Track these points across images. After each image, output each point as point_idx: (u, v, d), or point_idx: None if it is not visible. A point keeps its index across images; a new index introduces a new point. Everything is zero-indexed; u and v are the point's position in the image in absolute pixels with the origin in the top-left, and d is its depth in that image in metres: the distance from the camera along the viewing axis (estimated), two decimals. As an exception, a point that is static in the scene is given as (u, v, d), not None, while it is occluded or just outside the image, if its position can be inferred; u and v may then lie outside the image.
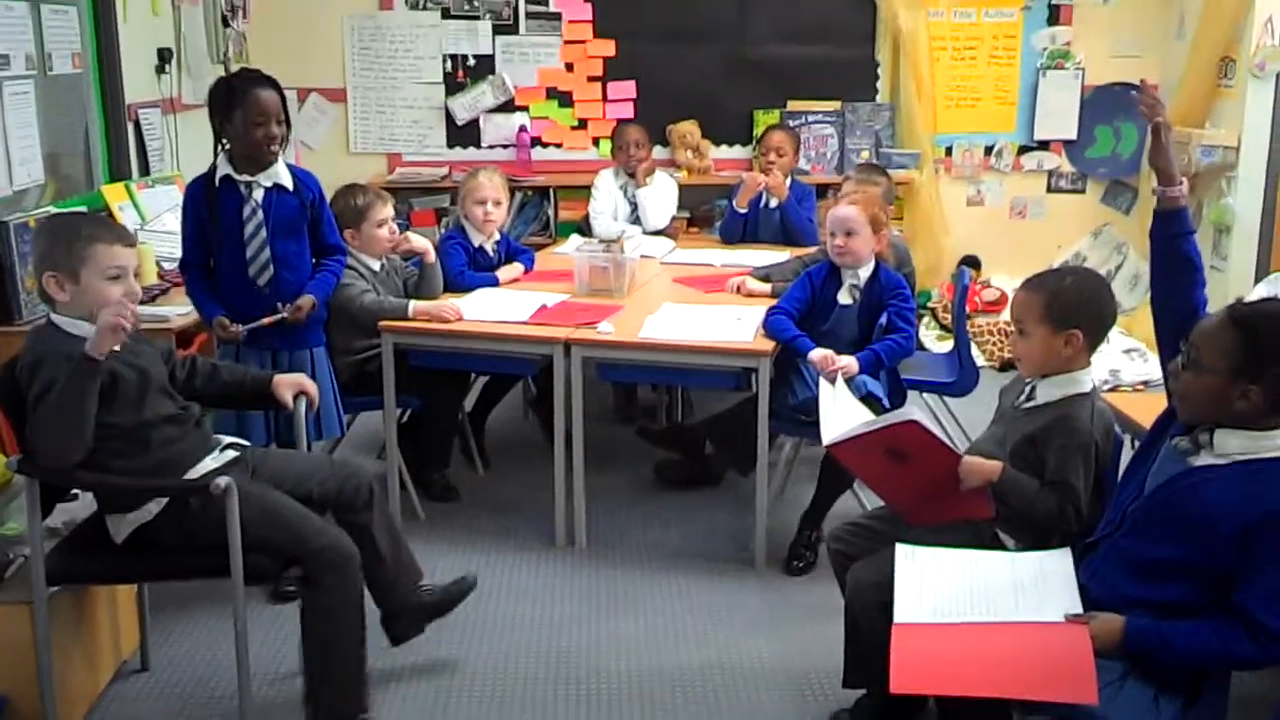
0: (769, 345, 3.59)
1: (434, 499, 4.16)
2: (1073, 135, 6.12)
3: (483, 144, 6.13)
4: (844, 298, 3.71)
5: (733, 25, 6.01)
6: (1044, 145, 6.17)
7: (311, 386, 3.01)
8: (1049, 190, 6.25)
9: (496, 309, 3.97)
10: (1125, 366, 5.49)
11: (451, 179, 5.89)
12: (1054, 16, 6.03)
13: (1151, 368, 5.52)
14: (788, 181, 5.11)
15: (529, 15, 5.99)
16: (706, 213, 5.95)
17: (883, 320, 3.66)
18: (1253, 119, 5.34)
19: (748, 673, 3.12)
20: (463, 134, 6.12)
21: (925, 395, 4.29)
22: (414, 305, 3.88)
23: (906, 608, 2.29)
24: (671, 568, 3.73)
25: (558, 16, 5.99)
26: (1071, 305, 2.57)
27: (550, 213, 5.95)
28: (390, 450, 3.96)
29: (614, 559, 3.79)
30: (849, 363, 3.49)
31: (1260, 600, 2.03)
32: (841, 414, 2.93)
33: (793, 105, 6.02)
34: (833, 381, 3.36)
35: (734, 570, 3.71)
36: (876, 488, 2.86)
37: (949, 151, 6.17)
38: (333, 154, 6.06)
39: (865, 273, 3.71)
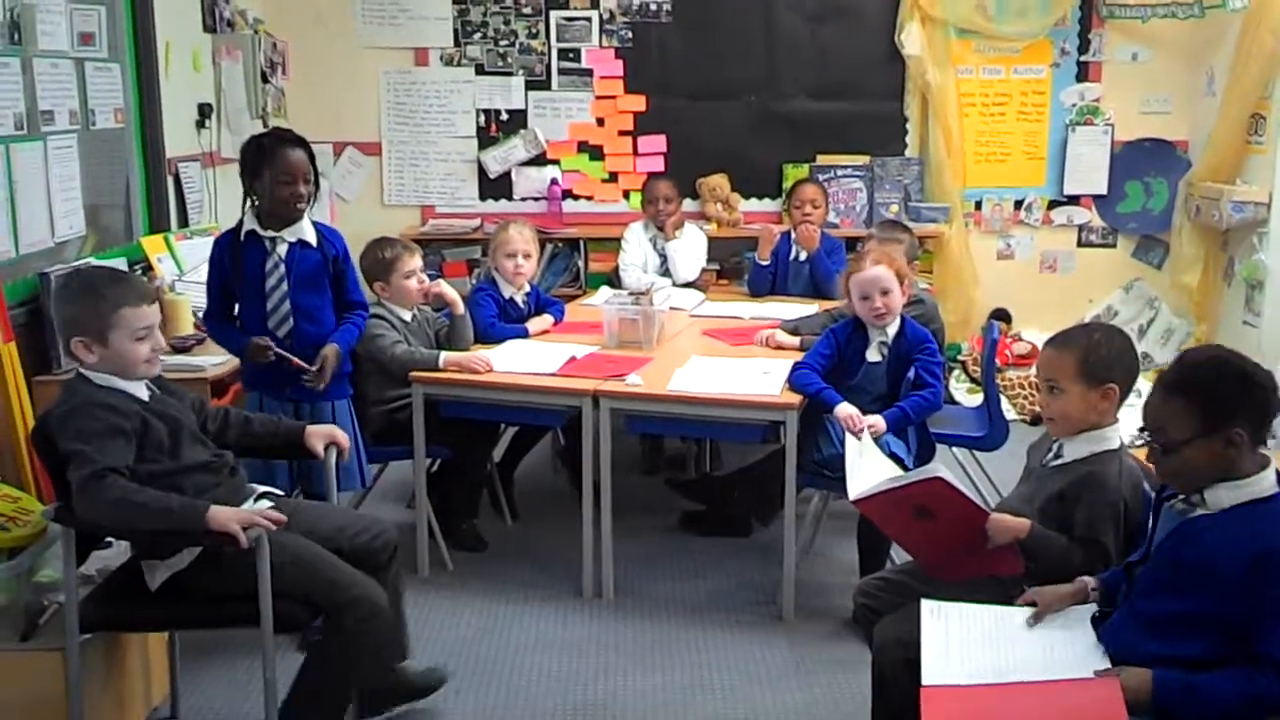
0: (796, 399, 3.60)
1: (462, 548, 4.17)
2: (1103, 190, 6.13)
3: (514, 196, 6.21)
4: (872, 355, 3.72)
5: (762, 80, 6.08)
6: (1074, 200, 6.18)
7: (343, 437, 3.04)
8: (1079, 245, 6.24)
9: (526, 360, 4.01)
10: (1157, 422, 5.45)
11: (483, 231, 5.95)
12: (1083, 73, 6.06)
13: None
14: (818, 234, 5.13)
15: (561, 71, 6.09)
16: (735, 265, 5.99)
17: (910, 375, 3.67)
18: (1284, 175, 5.33)
19: (776, 727, 3.10)
20: (495, 187, 6.20)
21: (955, 450, 4.27)
22: (444, 356, 3.92)
23: (934, 668, 2.26)
24: (698, 620, 3.71)
25: (589, 73, 6.08)
26: (1105, 360, 2.57)
27: (580, 264, 6.00)
28: (420, 500, 3.98)
29: (641, 611, 3.78)
30: (876, 421, 3.49)
31: (1276, 640, 2.01)
32: (867, 469, 2.94)
33: (821, 159, 6.07)
34: (859, 437, 3.36)
35: (761, 623, 3.70)
36: (904, 543, 2.85)
37: (979, 205, 6.18)
38: (367, 206, 6.15)
39: (892, 329, 3.73)
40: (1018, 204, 6.20)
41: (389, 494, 4.57)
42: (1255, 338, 5.53)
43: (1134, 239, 6.23)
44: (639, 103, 6.11)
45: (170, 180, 4.74)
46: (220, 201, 5.10)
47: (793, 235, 5.19)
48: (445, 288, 4.17)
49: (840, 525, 4.14)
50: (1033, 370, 5.75)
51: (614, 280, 5.45)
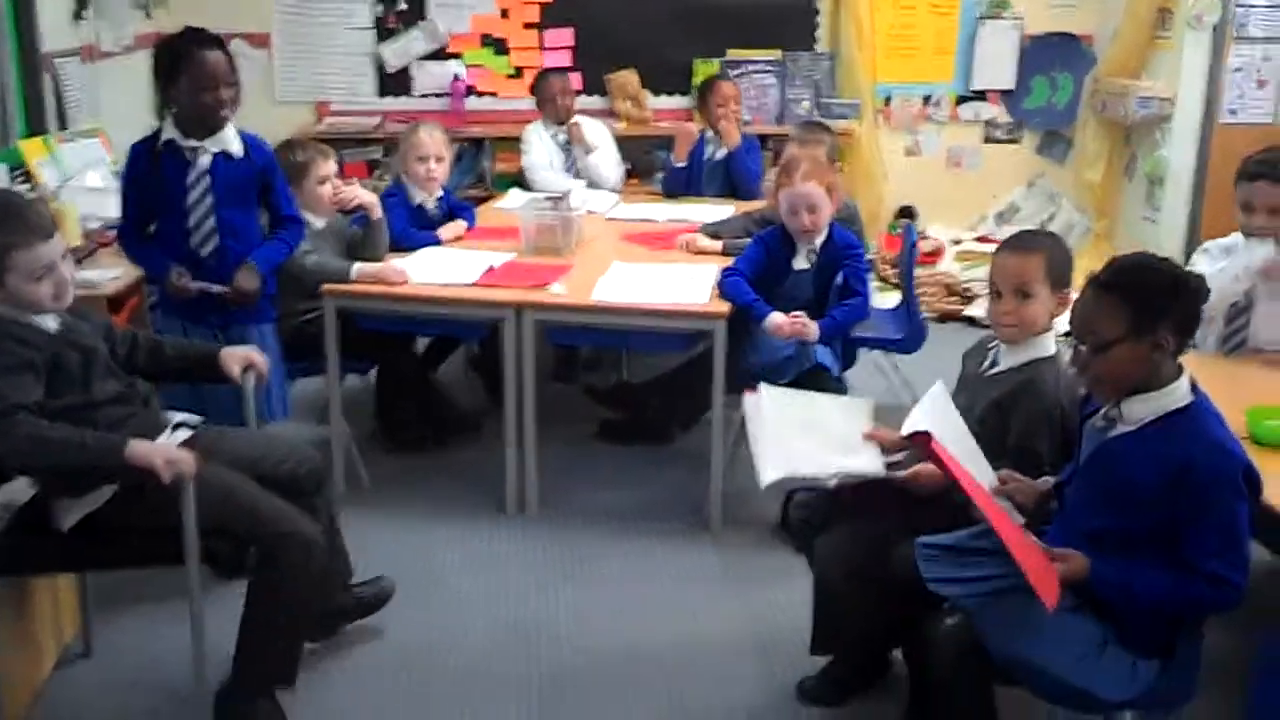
0: (725, 307, 3.54)
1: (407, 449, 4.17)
2: (1010, 85, 6.13)
3: (414, 93, 5.96)
4: (800, 263, 3.68)
5: (674, -29, 5.89)
6: (981, 95, 6.18)
7: (261, 360, 2.88)
8: (985, 140, 6.26)
9: (443, 270, 3.86)
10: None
11: (384, 130, 5.72)
12: (993, -35, 6.02)
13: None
14: (738, 131, 5.04)
15: (462, -41, 5.81)
16: (647, 163, 5.86)
17: (838, 281, 3.64)
18: (1189, 71, 5.39)
19: (712, 641, 3.11)
20: (394, 82, 5.94)
21: (874, 353, 4.29)
22: (357, 268, 3.75)
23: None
24: (624, 532, 3.69)
25: (493, -40, 5.82)
26: (1064, 264, 2.59)
27: (486, 165, 5.80)
28: (334, 417, 3.85)
29: (566, 524, 3.74)
30: (808, 325, 3.46)
31: (1204, 548, 2.06)
32: (784, 436, 2.67)
33: (732, 54, 5.94)
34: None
35: (688, 533, 3.69)
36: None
37: (888, 101, 6.14)
38: (257, 103, 5.78)
39: (820, 237, 3.68)
40: (925, 99, 6.17)
41: (300, 410, 4.42)
42: (1155, 233, 5.66)
43: (1038, 134, 6.27)
44: (545, -8, 5.88)
45: (47, 77, 4.40)
46: (103, 101, 4.77)
47: (707, 135, 5.07)
48: (364, 193, 3.97)
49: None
50: (940, 266, 5.81)
51: (522, 182, 5.30)
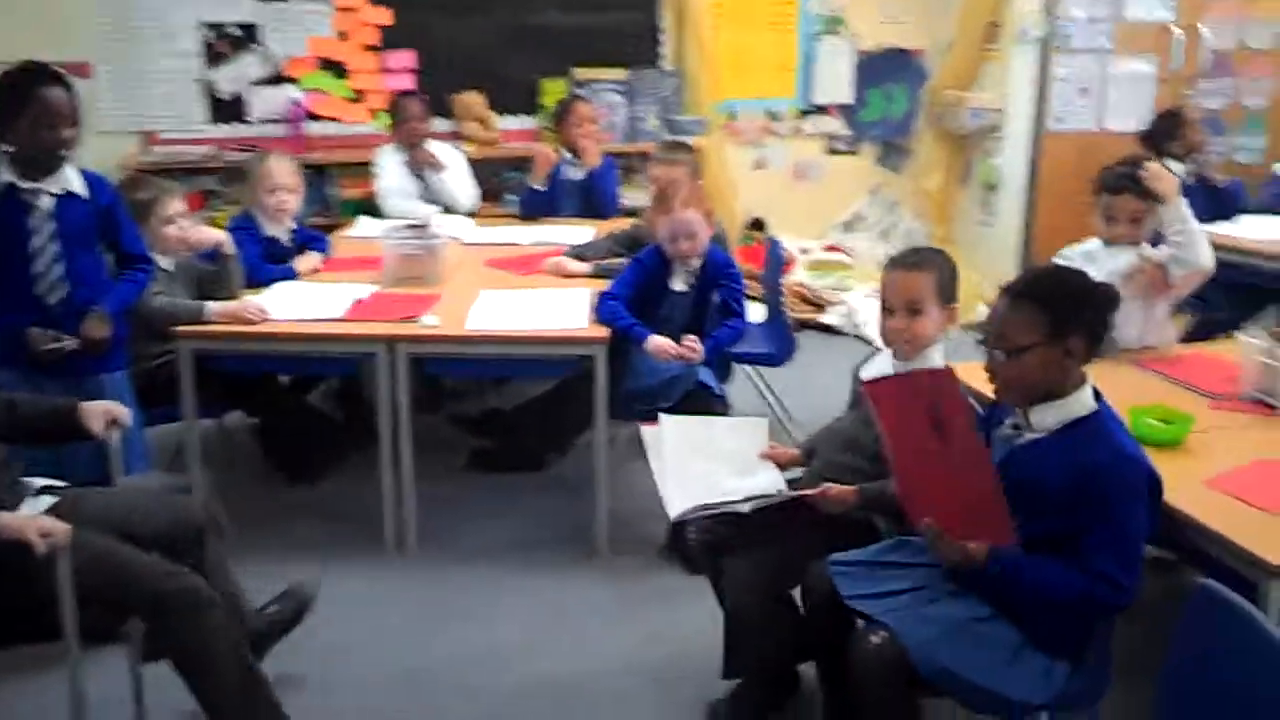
0: (605, 331, 3.50)
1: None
2: (848, 99, 6.29)
3: (250, 119, 5.71)
4: (677, 284, 3.68)
5: (516, -9, 5.83)
6: (822, 109, 6.32)
7: (123, 412, 2.69)
8: (828, 153, 6.41)
9: (304, 305, 3.70)
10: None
11: (220, 159, 5.47)
12: (827, -18, 6.17)
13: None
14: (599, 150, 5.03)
15: (296, -20, 5.61)
16: (497, 186, 5.79)
17: (716, 300, 3.65)
18: (1018, 82, 5.64)
19: (612, 671, 3.05)
20: (227, 109, 5.68)
21: (745, 367, 4.31)
22: (212, 307, 3.56)
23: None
24: (511, 564, 3.60)
25: (328, -19, 5.64)
26: (951, 279, 2.65)
27: (331, 192, 5.61)
28: (192, 465, 3.64)
29: (450, 560, 3.62)
30: (696, 351, 3.46)
31: (1099, 550, 2.12)
32: (684, 467, 2.69)
33: (579, 73, 5.91)
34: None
35: (576, 561, 3.63)
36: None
37: (733, 117, 6.22)
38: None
39: (698, 260, 3.69)
40: (769, 114, 6.27)
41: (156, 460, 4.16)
42: (991, 237, 5.90)
43: (877, 145, 6.45)
44: (384, 15, 5.73)
45: None
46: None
47: (565, 155, 5.03)
48: (210, 232, 3.77)
49: (639, 451, 4.11)
50: (792, 277, 5.90)
51: (370, 208, 5.15)
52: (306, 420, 4.09)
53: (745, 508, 2.50)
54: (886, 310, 2.66)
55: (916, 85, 6.25)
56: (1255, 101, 5.89)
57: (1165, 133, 4.95)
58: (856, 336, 5.76)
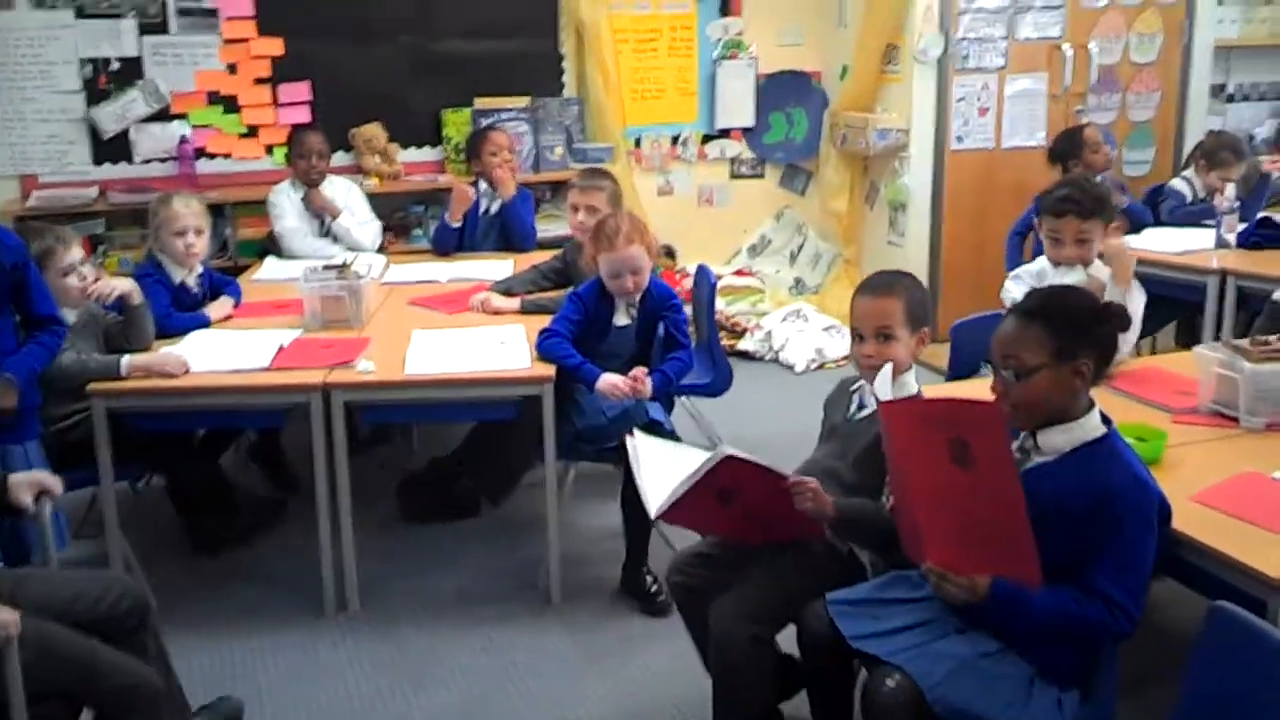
0: (550, 369, 3.37)
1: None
2: (750, 122, 6.29)
3: (136, 159, 5.41)
4: (620, 319, 3.57)
5: (413, 20, 5.65)
6: (725, 133, 6.31)
7: (53, 482, 2.49)
8: (732, 177, 6.39)
9: (227, 355, 3.49)
10: (827, 344, 5.74)
11: (106, 201, 5.17)
12: (726, 7, 6.15)
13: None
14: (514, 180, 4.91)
15: (180, 12, 5.33)
16: (402, 221, 5.61)
17: (660, 333, 3.57)
18: (920, 102, 5.71)
19: (591, 726, 2.93)
20: (112, 148, 5.37)
21: (683, 399, 4.23)
22: (128, 361, 3.32)
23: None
24: (462, 619, 3.44)
25: (214, 13, 5.37)
26: (921, 304, 2.64)
27: (228, 233, 5.34)
28: (111, 533, 3.38)
29: (395, 620, 3.44)
30: (645, 385, 3.37)
31: (1106, 574, 2.11)
32: (659, 473, 2.63)
33: (481, 103, 5.76)
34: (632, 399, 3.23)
35: (530, 610, 3.48)
36: (717, 531, 2.73)
37: (638, 143, 6.16)
38: (-51, 181, 5.15)
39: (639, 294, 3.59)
40: (674, 140, 6.24)
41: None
42: (901, 256, 5.94)
43: (780, 168, 6.46)
44: (275, 46, 5.49)
45: None
46: None
47: (481, 187, 4.88)
48: (120, 282, 3.52)
49: (586, 488, 4.00)
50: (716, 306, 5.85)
51: (272, 249, 4.93)
52: (217, 487, 3.83)
53: (699, 469, 2.40)
54: (857, 337, 2.62)
55: (816, 107, 6.28)
56: (1142, 115, 6.09)
57: (1067, 153, 5.09)
58: (775, 362, 5.74)
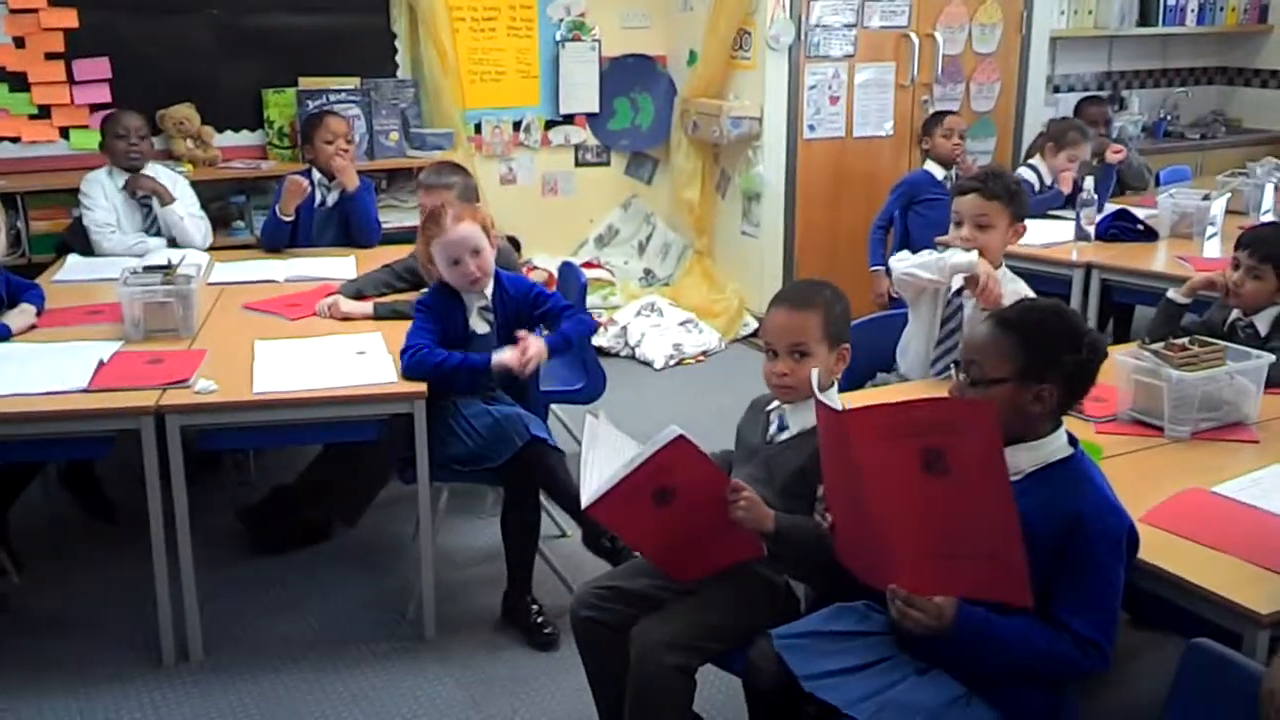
0: (421, 385, 3.02)
1: None
2: (595, 108, 6.02)
3: (-96, 142, 4.74)
4: (478, 325, 3.22)
5: (224, -11, 5.15)
6: (569, 119, 6.01)
7: None
8: (577, 165, 6.11)
9: (33, 374, 2.99)
10: (685, 339, 5.54)
11: None
12: (568, -14, 5.87)
13: (708, 338, 5.63)
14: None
15: (-46, -23, 4.69)
16: (222, 211, 5.10)
17: (540, 323, 3.29)
18: (772, 90, 5.55)
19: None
20: (-125, 132, 4.69)
21: (555, 407, 3.94)
22: (-86, 385, 2.81)
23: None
24: (324, 663, 3.07)
25: (-3, -20, 4.76)
26: (842, 319, 2.45)
27: (20, 226, 4.72)
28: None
29: (247, 668, 3.04)
30: (537, 349, 3.11)
31: (1074, 608, 1.97)
32: (604, 461, 2.35)
33: (306, 83, 5.28)
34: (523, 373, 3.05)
35: (402, 648, 3.14)
36: (643, 546, 2.46)
37: (478, 129, 5.80)
38: None
39: (490, 289, 3.27)
40: (516, 125, 5.91)
41: None
42: (756, 247, 5.80)
43: (626, 156, 6.22)
44: (69, 18, 4.89)
45: None
46: None
47: (316, 177, 4.43)
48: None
49: (453, 504, 3.68)
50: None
51: (73, 244, 4.38)
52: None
53: (648, 451, 2.17)
54: (770, 353, 2.42)
55: (662, 93, 6.06)
56: (983, 105, 6.11)
57: (926, 128, 5.11)
58: (632, 358, 5.50)
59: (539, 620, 3.16)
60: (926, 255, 3.16)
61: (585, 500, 2.28)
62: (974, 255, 3.10)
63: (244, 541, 3.65)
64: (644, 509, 2.26)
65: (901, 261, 3.20)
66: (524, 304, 3.30)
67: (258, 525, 3.67)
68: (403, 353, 3.09)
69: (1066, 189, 4.88)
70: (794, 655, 2.08)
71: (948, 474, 1.85)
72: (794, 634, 2.14)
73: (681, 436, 2.17)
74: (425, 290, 3.38)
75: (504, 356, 3.07)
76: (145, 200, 4.35)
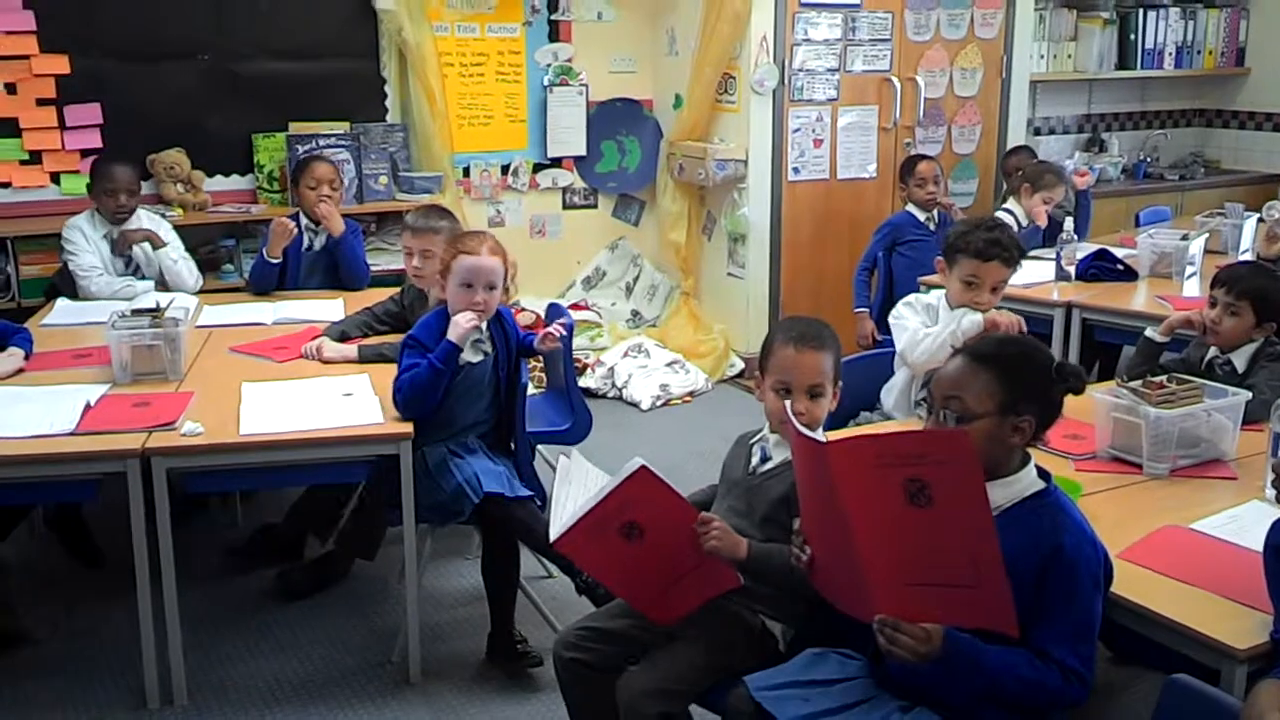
0: (406, 426, 3.04)
1: None
2: (582, 151, 6.08)
3: (-105, 187, 4.77)
4: (472, 355, 3.26)
5: (216, 36, 5.19)
6: (557, 162, 6.07)
7: None
8: (565, 207, 6.16)
9: (21, 418, 3.00)
10: (672, 380, 5.56)
11: None
12: (555, 33, 5.93)
13: (695, 378, 5.65)
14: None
15: (-53, 25, 4.74)
16: (211, 255, 5.13)
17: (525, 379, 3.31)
18: (757, 133, 5.62)
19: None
20: None
21: (542, 447, 3.95)
22: (-99, 430, 2.82)
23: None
24: (309, 707, 3.06)
25: (-11, 26, 4.80)
26: (839, 358, 2.48)
27: (11, 271, 4.75)
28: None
29: (232, 712, 3.03)
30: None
31: (1058, 639, 1.98)
32: (574, 497, 2.39)
33: (296, 128, 5.34)
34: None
35: (385, 692, 3.13)
36: (614, 584, 2.47)
37: (466, 172, 5.85)
38: None
39: (483, 324, 3.30)
40: (504, 169, 5.96)
41: None
42: (742, 288, 5.85)
43: (613, 198, 6.27)
44: (60, 64, 4.94)
45: None
46: None
47: (304, 222, 4.47)
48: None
49: (436, 547, 3.67)
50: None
51: (62, 289, 4.40)
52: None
53: (611, 483, 2.21)
54: (783, 391, 2.42)
55: (649, 136, 6.13)
56: (966, 147, 6.19)
57: (903, 175, 5.19)
58: (619, 399, 5.52)
59: (521, 648, 3.17)
60: (938, 332, 3.21)
61: (553, 535, 2.31)
62: (979, 316, 3.18)
63: (229, 584, 3.65)
64: (612, 544, 2.27)
65: (917, 349, 3.24)
66: (522, 335, 3.39)
67: (288, 578, 3.65)
68: (395, 392, 3.10)
69: (1042, 223, 4.97)
70: (775, 703, 2.10)
71: (931, 505, 1.86)
72: (770, 685, 2.15)
73: (644, 468, 2.19)
74: (408, 334, 3.41)
75: (460, 322, 3.12)
76: (125, 254, 4.37)
